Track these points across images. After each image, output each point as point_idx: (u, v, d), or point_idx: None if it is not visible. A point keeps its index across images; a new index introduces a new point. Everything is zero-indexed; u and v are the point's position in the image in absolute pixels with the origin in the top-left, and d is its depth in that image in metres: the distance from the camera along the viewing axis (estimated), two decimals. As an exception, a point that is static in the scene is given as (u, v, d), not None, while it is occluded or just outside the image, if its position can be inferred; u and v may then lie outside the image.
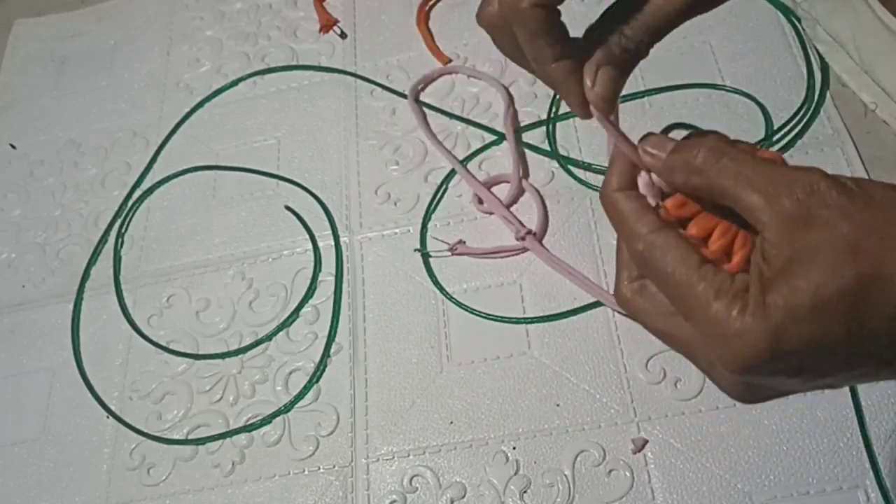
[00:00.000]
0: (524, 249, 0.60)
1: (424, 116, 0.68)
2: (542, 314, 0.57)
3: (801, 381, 0.28)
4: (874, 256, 0.25)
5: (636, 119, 0.63)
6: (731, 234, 0.30)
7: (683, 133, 0.32)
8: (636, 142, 0.32)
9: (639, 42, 0.34)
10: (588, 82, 0.34)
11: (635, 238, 0.30)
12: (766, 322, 0.26)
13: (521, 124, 0.65)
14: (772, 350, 0.26)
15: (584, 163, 0.62)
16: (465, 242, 0.60)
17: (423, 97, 0.69)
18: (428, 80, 0.70)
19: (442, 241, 0.61)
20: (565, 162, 0.63)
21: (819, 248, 0.26)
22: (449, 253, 0.60)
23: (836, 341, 0.26)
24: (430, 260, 0.61)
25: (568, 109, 0.67)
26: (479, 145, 0.65)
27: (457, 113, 0.67)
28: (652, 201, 0.31)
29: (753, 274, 0.28)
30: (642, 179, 0.32)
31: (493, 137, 0.65)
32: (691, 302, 0.28)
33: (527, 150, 0.64)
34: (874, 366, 0.27)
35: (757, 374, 0.27)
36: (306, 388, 0.58)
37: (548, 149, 0.64)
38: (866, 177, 0.57)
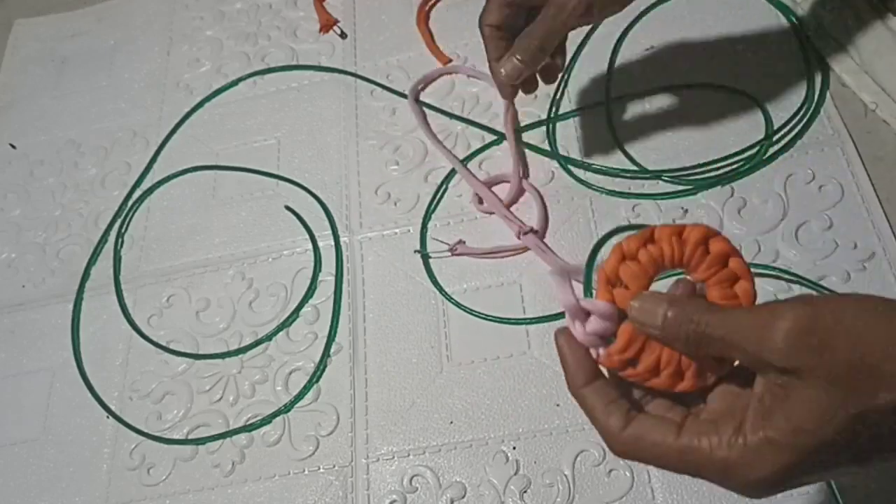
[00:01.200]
0: (524, 249, 0.60)
1: (424, 116, 0.68)
2: (542, 314, 0.57)
3: (816, 480, 0.32)
4: (864, 391, 0.28)
5: (636, 119, 0.63)
6: (676, 359, 0.33)
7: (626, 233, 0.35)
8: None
9: (531, 46, 0.52)
10: (501, 69, 0.54)
11: (613, 437, 0.33)
12: (774, 464, 0.29)
13: (521, 124, 0.65)
14: (783, 483, 0.30)
15: (583, 163, 0.62)
16: (464, 242, 0.60)
17: (423, 97, 0.69)
18: (428, 80, 0.70)
19: (442, 242, 0.61)
20: (565, 162, 0.63)
21: (810, 394, 0.29)
22: (449, 253, 0.60)
23: (843, 465, 0.29)
24: (430, 260, 0.61)
25: (568, 109, 0.67)
26: (479, 145, 0.65)
27: (457, 113, 0.68)
28: (594, 352, 0.34)
29: (755, 408, 0.30)
30: (581, 330, 0.34)
31: (493, 137, 0.65)
32: (698, 461, 0.31)
33: (527, 150, 0.64)
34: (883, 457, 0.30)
35: (771, 495, 0.31)
36: (306, 388, 0.58)
37: (548, 149, 0.64)
38: (866, 176, 0.57)
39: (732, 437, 0.30)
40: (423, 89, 0.70)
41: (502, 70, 0.53)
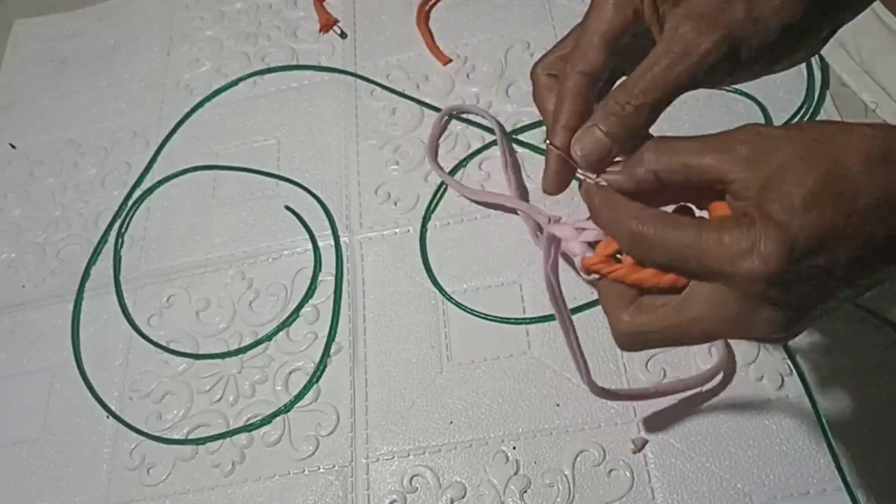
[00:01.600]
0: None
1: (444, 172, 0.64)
2: (542, 314, 0.57)
3: (837, 283, 0.29)
4: (830, 151, 0.28)
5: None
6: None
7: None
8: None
9: (625, 105, 0.33)
10: (576, 146, 0.34)
11: (624, 223, 0.31)
12: (777, 227, 0.28)
13: (521, 124, 0.65)
14: (790, 248, 0.28)
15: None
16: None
17: (423, 96, 0.69)
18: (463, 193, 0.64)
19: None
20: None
21: (784, 165, 0.28)
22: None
23: (840, 225, 0.28)
24: (431, 260, 0.61)
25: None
26: (479, 145, 0.65)
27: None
28: (582, 248, 0.35)
29: (738, 212, 0.30)
30: (575, 247, 0.35)
31: (493, 137, 0.65)
32: (702, 246, 0.29)
33: (526, 151, 0.64)
34: (887, 248, 0.28)
35: (789, 279, 0.28)
36: (306, 388, 0.58)
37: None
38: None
39: (744, 217, 0.29)
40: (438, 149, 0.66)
41: (577, 148, 0.34)
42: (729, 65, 0.32)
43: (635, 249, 0.32)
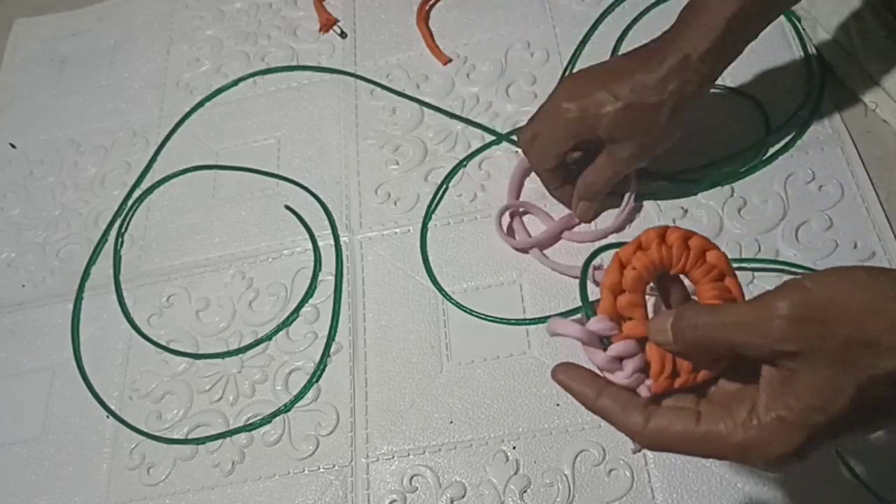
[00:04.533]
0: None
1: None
2: (541, 314, 0.57)
3: (828, 448, 0.37)
4: (867, 363, 0.30)
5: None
6: (671, 362, 0.37)
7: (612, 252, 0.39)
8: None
9: (595, 191, 0.57)
10: (575, 212, 0.59)
11: (639, 434, 0.35)
12: (787, 444, 0.31)
13: (521, 124, 0.65)
14: (797, 457, 0.32)
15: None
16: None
17: (423, 96, 0.69)
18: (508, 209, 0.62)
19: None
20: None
21: (816, 373, 0.30)
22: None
23: (854, 431, 0.31)
24: (431, 260, 0.61)
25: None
26: (479, 145, 0.65)
27: (457, 113, 0.67)
28: (644, 390, 0.37)
29: (766, 391, 0.32)
30: (621, 376, 0.37)
31: (493, 137, 0.65)
32: (717, 445, 0.33)
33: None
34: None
35: (789, 467, 0.33)
36: (306, 388, 0.58)
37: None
38: (866, 176, 0.57)
39: (747, 419, 0.32)
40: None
41: (578, 213, 0.59)
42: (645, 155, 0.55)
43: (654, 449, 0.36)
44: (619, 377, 0.37)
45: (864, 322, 0.29)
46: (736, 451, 0.33)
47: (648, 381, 0.37)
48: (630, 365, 0.37)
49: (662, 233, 0.38)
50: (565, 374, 0.37)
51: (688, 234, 0.38)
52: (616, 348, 0.37)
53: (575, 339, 0.38)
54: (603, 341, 0.38)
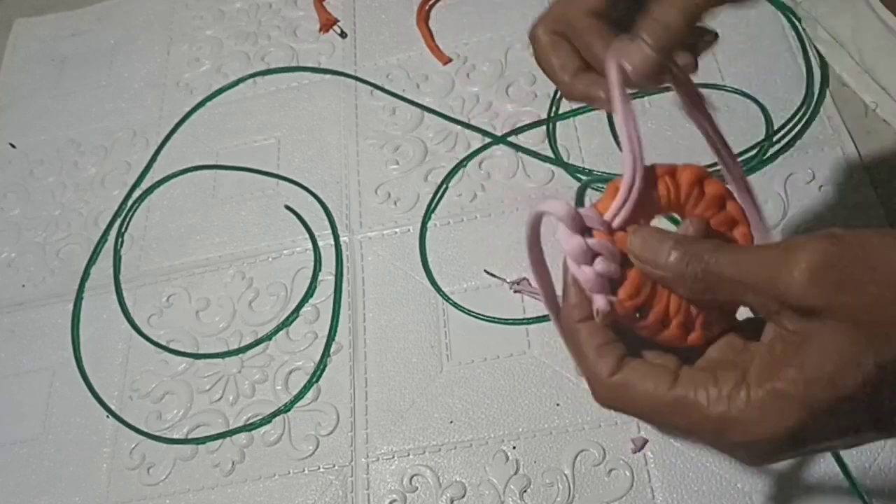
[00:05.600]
0: None
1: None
2: (541, 314, 0.57)
3: (826, 450, 0.28)
4: (892, 335, 0.24)
5: (637, 119, 0.63)
6: (685, 308, 0.30)
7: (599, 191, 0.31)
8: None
9: (670, 21, 0.33)
10: (624, 61, 0.33)
11: (599, 382, 0.29)
12: (781, 422, 0.25)
13: (521, 124, 0.65)
14: (789, 446, 0.26)
15: (585, 169, 0.62)
16: (527, 281, 0.57)
17: (423, 96, 0.69)
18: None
19: (497, 276, 0.57)
20: (565, 166, 0.63)
21: (832, 337, 0.25)
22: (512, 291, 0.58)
23: (860, 428, 0.26)
24: (430, 260, 0.61)
25: (568, 109, 0.67)
26: (479, 145, 0.65)
27: (457, 113, 0.67)
28: (603, 300, 0.30)
29: (762, 361, 0.27)
30: (588, 272, 0.30)
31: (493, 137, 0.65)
32: (691, 416, 0.27)
33: (524, 154, 0.64)
34: None
35: (776, 462, 0.27)
36: (306, 388, 0.58)
37: (549, 149, 0.64)
38: (867, 180, 0.57)
39: (734, 389, 0.26)
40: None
41: (626, 63, 0.33)
42: None
43: (617, 408, 0.29)
44: (585, 271, 0.30)
45: None
46: (712, 428, 0.26)
47: (613, 298, 0.30)
48: (601, 264, 0.30)
49: (672, 170, 0.32)
50: (573, 278, 0.31)
51: (703, 175, 0.32)
52: (596, 244, 0.30)
53: (556, 220, 0.31)
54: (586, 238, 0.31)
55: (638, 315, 0.30)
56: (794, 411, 0.25)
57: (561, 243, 0.31)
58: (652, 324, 0.30)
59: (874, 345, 0.24)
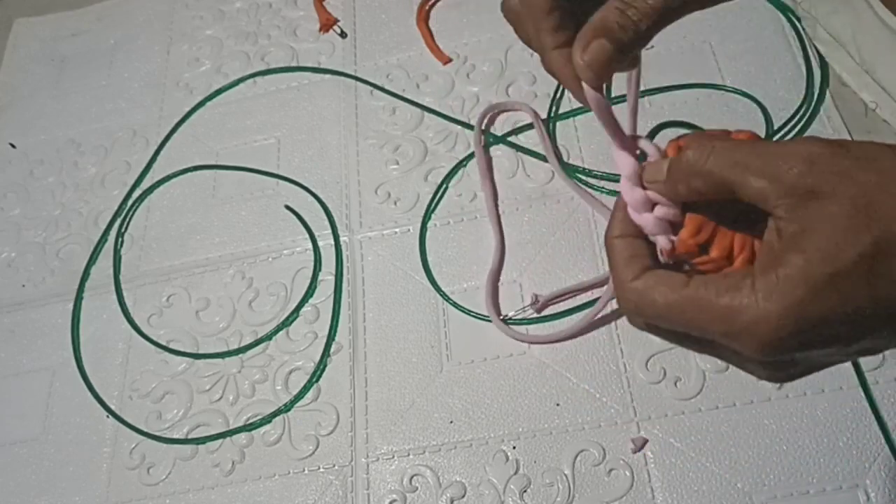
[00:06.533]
0: (600, 284, 0.57)
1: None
2: (542, 315, 0.57)
3: (836, 352, 0.28)
4: (889, 215, 0.25)
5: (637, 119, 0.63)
6: (750, 245, 0.31)
7: (674, 132, 0.32)
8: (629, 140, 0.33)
9: (638, 22, 0.33)
10: (577, 53, 0.32)
11: (621, 286, 0.31)
12: (783, 300, 0.26)
13: (520, 124, 0.65)
14: (794, 327, 0.26)
15: (585, 169, 0.62)
16: (539, 297, 0.57)
17: (423, 96, 0.69)
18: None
19: (523, 309, 0.57)
20: (564, 166, 0.63)
21: (830, 216, 0.26)
22: (535, 312, 0.57)
23: (861, 306, 0.26)
24: (430, 259, 0.61)
25: (568, 109, 0.67)
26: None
27: (457, 113, 0.67)
28: (664, 240, 0.32)
29: (765, 253, 0.28)
30: (650, 218, 0.32)
31: (492, 137, 0.65)
32: (702, 310, 0.28)
33: (524, 155, 0.64)
34: None
35: (785, 353, 0.27)
36: (306, 388, 0.58)
37: (549, 148, 0.64)
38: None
39: (741, 280, 0.28)
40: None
41: (584, 57, 0.32)
42: None
43: (638, 317, 0.31)
44: (646, 217, 0.32)
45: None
46: (720, 316, 0.28)
47: (674, 238, 0.32)
48: (660, 210, 0.32)
49: (727, 133, 0.32)
50: (621, 201, 0.33)
51: (757, 138, 0.32)
52: (655, 195, 0.32)
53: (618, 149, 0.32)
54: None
55: (699, 252, 0.32)
56: (794, 287, 0.26)
57: (623, 194, 0.33)
58: (716, 258, 0.31)
59: (871, 222, 0.25)
